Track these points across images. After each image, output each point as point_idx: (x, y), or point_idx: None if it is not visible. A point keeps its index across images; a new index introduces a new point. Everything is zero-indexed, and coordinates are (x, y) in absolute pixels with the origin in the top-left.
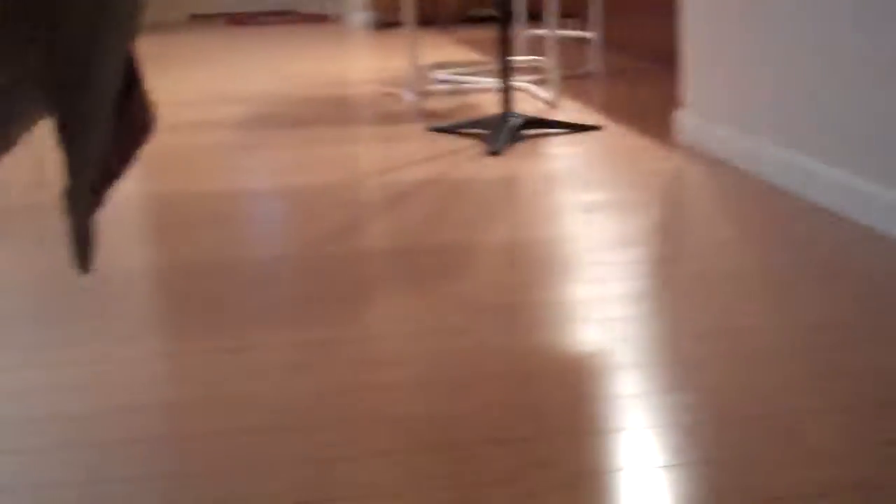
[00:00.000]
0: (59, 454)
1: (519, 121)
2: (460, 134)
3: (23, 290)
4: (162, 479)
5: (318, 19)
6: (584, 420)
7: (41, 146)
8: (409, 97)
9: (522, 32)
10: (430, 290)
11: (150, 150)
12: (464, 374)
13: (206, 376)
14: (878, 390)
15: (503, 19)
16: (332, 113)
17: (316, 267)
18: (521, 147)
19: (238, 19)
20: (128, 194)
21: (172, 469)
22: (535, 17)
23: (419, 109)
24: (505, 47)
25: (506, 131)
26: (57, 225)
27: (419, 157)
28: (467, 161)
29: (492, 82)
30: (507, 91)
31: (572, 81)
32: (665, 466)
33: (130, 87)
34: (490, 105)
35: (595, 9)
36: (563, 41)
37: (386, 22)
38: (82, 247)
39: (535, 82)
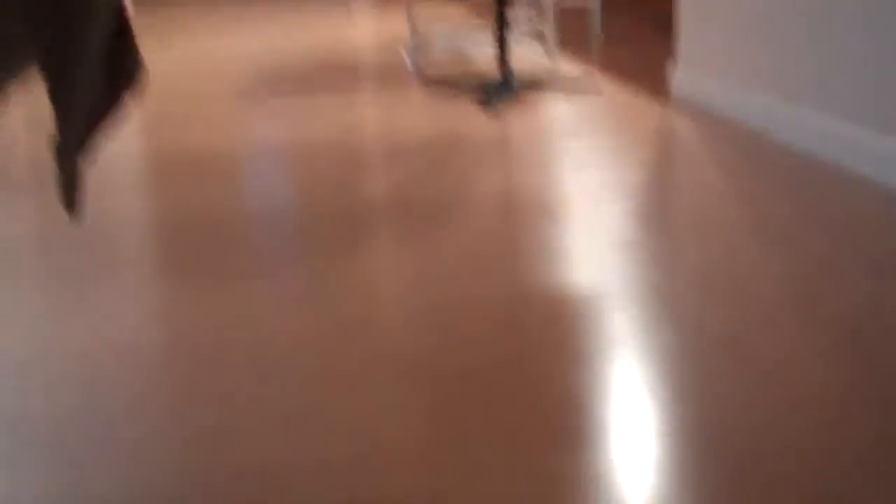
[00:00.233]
0: (54, 389)
1: (517, 81)
2: (460, 94)
3: (21, 240)
4: (153, 412)
5: None
6: (572, 351)
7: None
8: (410, 60)
9: None
10: (426, 238)
11: (156, 108)
12: (456, 316)
13: (196, 321)
14: (866, 325)
15: None
16: (336, 76)
17: (315, 218)
18: (518, 106)
19: None
20: (132, 150)
21: (163, 403)
22: None
23: (420, 71)
24: (503, 10)
25: (504, 91)
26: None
27: (419, 116)
28: (465, 119)
29: (491, 44)
30: (505, 52)
31: (571, 44)
32: (652, 398)
33: (118, 35)
34: (490, 67)
35: None
36: (564, 8)
37: None
38: (70, 192)
39: (533, 41)
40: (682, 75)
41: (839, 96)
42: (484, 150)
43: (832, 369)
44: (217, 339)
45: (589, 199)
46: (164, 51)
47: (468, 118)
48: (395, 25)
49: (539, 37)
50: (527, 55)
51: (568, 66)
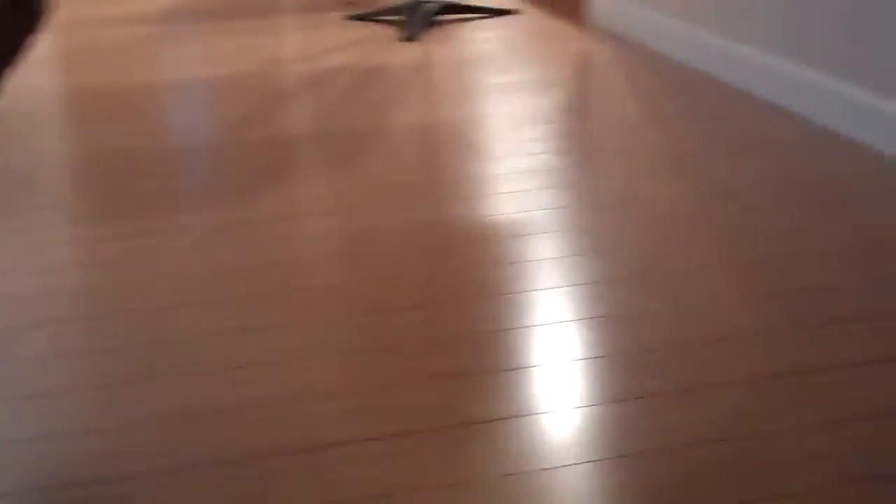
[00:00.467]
0: None
1: (434, 6)
2: (377, 21)
3: None
4: (70, 355)
5: None
6: (489, 283)
7: None
8: None
9: None
10: (344, 171)
11: (68, 42)
12: (377, 249)
13: (118, 259)
14: (777, 246)
15: None
16: (251, 4)
17: (232, 153)
18: (436, 33)
19: None
20: (44, 86)
21: (80, 346)
22: None
23: None
24: None
25: (421, 17)
26: None
27: (336, 44)
28: (383, 48)
29: None
30: None
31: None
32: (575, 321)
33: None
34: None
35: None
36: None
37: None
38: None
39: None
40: (601, 1)
41: (754, 25)
42: (404, 80)
43: (747, 293)
44: (134, 276)
45: (508, 127)
46: None
47: (388, 47)
48: None
49: None
50: None
51: None
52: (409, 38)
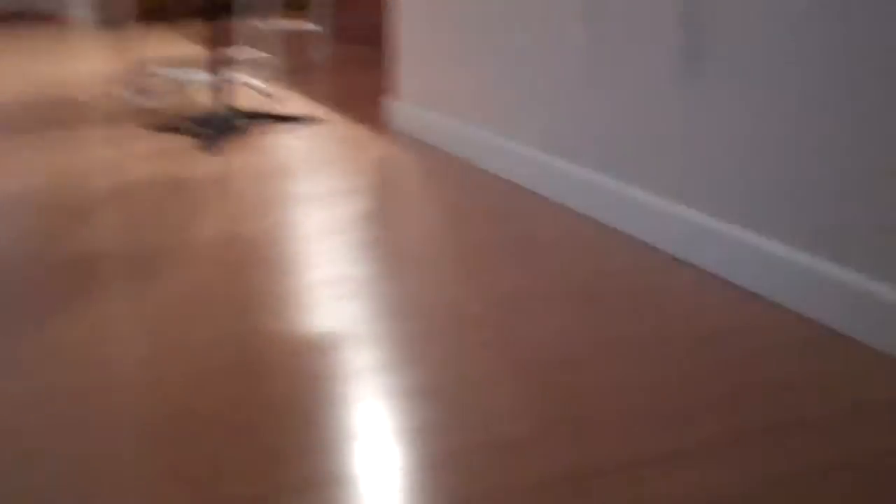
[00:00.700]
0: None
1: (236, 116)
2: (179, 131)
3: None
4: None
5: (48, 19)
6: (313, 398)
7: None
8: (129, 96)
9: (248, 25)
10: (146, 289)
11: None
12: (190, 369)
13: None
14: (552, 352)
15: (215, 11)
16: (51, 115)
17: (23, 275)
18: (239, 141)
19: None
20: None
21: None
22: (264, 8)
23: (139, 108)
24: (219, 41)
25: (223, 127)
26: None
27: (137, 157)
28: (185, 159)
29: (211, 77)
30: (223, 86)
31: (296, 74)
32: (370, 436)
33: None
34: (212, 102)
35: (323, 1)
36: (292, 34)
37: (117, 20)
38: None
39: (256, 75)
40: (401, 108)
41: (531, 126)
42: (205, 192)
43: (528, 392)
44: None
45: (311, 237)
46: None
47: (189, 158)
48: (119, 56)
49: (263, 67)
50: (249, 87)
51: (292, 96)
52: (212, 149)
